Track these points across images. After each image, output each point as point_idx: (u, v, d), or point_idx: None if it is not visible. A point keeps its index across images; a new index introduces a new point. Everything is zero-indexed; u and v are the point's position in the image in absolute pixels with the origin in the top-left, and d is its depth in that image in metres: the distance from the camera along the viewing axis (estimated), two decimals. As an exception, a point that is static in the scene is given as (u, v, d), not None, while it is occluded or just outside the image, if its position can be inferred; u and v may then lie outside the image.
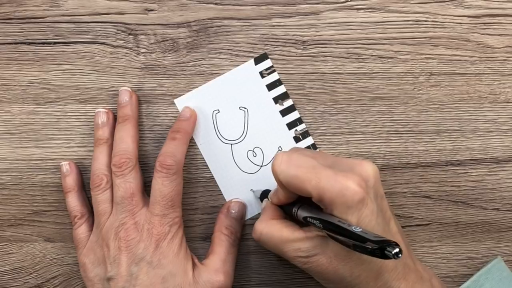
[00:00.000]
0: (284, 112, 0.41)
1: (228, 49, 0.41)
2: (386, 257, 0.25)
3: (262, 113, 0.41)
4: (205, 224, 0.42)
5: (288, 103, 0.41)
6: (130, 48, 0.41)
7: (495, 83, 0.41)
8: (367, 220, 0.30)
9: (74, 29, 0.41)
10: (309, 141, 0.41)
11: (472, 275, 0.42)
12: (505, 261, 0.42)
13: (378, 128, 0.41)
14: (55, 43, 0.41)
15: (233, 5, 0.41)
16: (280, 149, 0.41)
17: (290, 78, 0.41)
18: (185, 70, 0.41)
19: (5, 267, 0.42)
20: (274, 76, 0.40)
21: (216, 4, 0.41)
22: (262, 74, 0.41)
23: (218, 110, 0.40)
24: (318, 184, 0.30)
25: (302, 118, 0.41)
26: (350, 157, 0.41)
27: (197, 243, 0.42)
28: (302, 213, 0.33)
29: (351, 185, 0.29)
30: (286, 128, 0.41)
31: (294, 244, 0.32)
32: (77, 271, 0.42)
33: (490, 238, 0.42)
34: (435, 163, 0.41)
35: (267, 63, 0.40)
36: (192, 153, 0.41)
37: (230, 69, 0.41)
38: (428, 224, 0.42)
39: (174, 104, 0.41)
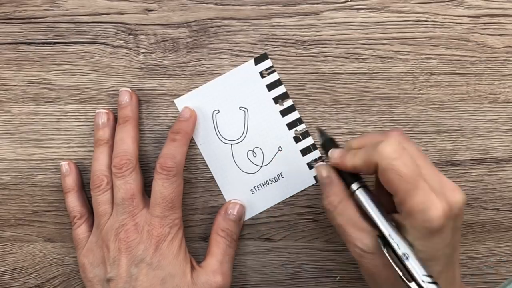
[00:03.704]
0: (284, 112, 0.41)
1: (228, 49, 0.41)
2: None
3: (262, 113, 0.41)
4: (205, 224, 0.42)
5: (288, 103, 0.41)
6: (130, 48, 0.41)
7: (495, 83, 0.41)
8: (434, 247, 0.29)
9: (74, 29, 0.41)
10: (309, 141, 0.41)
11: (472, 275, 0.42)
12: (505, 261, 0.42)
13: (378, 128, 0.41)
14: (55, 43, 0.41)
15: (233, 5, 0.41)
16: (280, 149, 0.41)
17: (290, 78, 0.41)
18: (185, 70, 0.41)
19: (5, 267, 0.42)
20: (274, 76, 0.40)
21: (216, 4, 0.41)
22: (262, 74, 0.41)
23: (218, 110, 0.40)
24: (410, 190, 0.29)
25: (302, 118, 0.41)
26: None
27: (197, 243, 0.42)
28: (361, 197, 0.32)
29: (437, 209, 0.29)
30: (286, 128, 0.41)
31: (359, 233, 0.32)
32: (77, 271, 0.42)
33: (490, 238, 0.42)
34: (435, 163, 0.41)
35: (267, 63, 0.40)
36: (192, 153, 0.41)
37: (230, 69, 0.41)
38: (428, 224, 0.42)
39: (174, 104, 0.41)
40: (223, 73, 0.41)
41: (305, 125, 0.41)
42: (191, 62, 0.41)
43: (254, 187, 0.41)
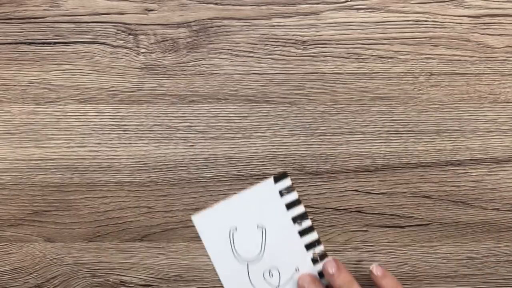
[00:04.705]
0: (302, 233, 0.40)
1: (228, 49, 0.41)
2: None
3: (280, 232, 0.40)
4: (205, 224, 0.42)
5: (306, 223, 0.40)
6: (130, 48, 0.41)
7: (495, 83, 0.41)
8: None
9: (74, 29, 0.41)
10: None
11: (472, 275, 0.42)
12: (504, 261, 0.42)
13: (378, 128, 0.41)
14: (55, 43, 0.41)
15: (233, 5, 0.41)
16: (297, 270, 0.40)
17: (290, 78, 0.41)
18: (185, 70, 0.41)
19: (5, 267, 0.42)
20: (293, 196, 0.40)
21: (216, 4, 0.41)
22: (281, 193, 0.40)
23: (236, 228, 0.40)
24: None
25: (302, 118, 0.41)
26: (350, 157, 0.41)
27: (197, 243, 0.42)
28: None
29: None
30: (304, 249, 0.40)
31: None
32: (77, 271, 0.42)
33: (490, 238, 0.42)
34: (435, 163, 0.41)
35: (286, 182, 0.40)
36: (192, 153, 0.41)
37: (230, 69, 0.41)
38: (428, 224, 0.42)
39: (174, 104, 0.41)
40: (223, 73, 0.41)
41: (323, 246, 0.41)
42: (191, 62, 0.41)
43: None
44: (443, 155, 0.42)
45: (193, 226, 0.41)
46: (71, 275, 0.42)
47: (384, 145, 0.41)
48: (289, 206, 0.40)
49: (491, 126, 0.41)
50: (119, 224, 0.41)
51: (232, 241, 0.39)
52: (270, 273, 0.39)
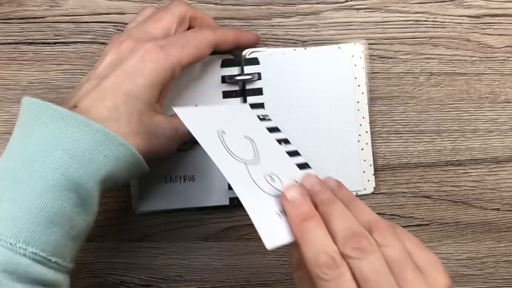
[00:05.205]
0: (290, 154, 0.37)
1: (228, 49, 0.41)
2: None
3: (269, 149, 0.36)
4: (204, 224, 0.41)
5: (291, 147, 0.37)
6: (130, 48, 0.41)
7: (495, 83, 0.41)
8: None
9: (74, 29, 0.41)
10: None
11: (472, 275, 0.42)
12: (504, 261, 0.42)
13: (378, 128, 0.41)
14: (55, 43, 0.41)
15: (233, 5, 0.41)
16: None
17: (290, 78, 0.41)
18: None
19: (5, 267, 0.42)
20: (271, 123, 0.38)
21: (216, 4, 0.41)
22: (260, 118, 0.38)
23: (223, 131, 0.34)
24: None
25: (302, 118, 0.41)
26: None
27: (197, 243, 0.42)
28: None
29: None
30: (297, 167, 0.36)
31: None
32: (77, 271, 0.42)
33: (490, 238, 0.42)
34: (435, 163, 0.41)
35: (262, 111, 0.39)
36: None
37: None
38: (428, 224, 0.42)
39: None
40: (223, 73, 0.41)
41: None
42: (191, 62, 0.41)
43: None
44: (443, 155, 0.42)
45: (194, 226, 0.41)
46: (71, 275, 0.42)
47: (384, 145, 0.41)
48: (271, 130, 0.37)
49: (491, 126, 0.41)
50: (119, 224, 0.41)
51: (223, 141, 0.34)
52: (271, 177, 0.33)
